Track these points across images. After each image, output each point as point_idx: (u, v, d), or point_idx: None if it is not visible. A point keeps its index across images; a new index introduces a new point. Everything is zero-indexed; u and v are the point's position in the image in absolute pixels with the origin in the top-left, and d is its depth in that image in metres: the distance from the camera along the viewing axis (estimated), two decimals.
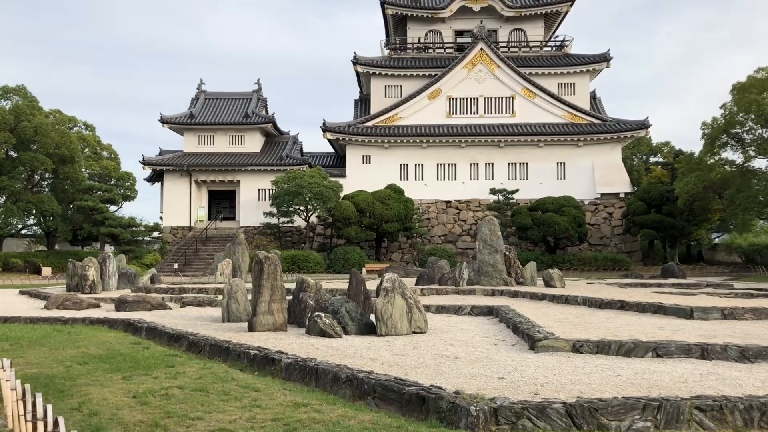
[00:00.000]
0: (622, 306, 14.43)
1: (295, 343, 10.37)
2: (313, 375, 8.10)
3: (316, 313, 11.40)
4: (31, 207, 42.46)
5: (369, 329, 11.70)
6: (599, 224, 49.66)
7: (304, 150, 56.17)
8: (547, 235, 44.37)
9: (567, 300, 16.23)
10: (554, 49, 55.12)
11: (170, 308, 17.12)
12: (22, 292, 24.01)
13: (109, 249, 51.80)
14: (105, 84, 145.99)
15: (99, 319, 14.59)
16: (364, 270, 42.94)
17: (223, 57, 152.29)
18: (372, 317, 12.48)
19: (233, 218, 52.35)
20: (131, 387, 7.47)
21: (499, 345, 10.15)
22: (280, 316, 12.10)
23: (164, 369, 8.74)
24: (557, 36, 56.44)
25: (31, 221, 45.06)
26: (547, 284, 21.43)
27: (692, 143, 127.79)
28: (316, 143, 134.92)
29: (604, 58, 52.27)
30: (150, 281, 25.94)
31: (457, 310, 15.23)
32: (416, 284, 22.65)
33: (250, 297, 14.94)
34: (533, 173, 50.32)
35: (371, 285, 22.49)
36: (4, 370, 6.58)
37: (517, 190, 46.77)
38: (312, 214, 46.73)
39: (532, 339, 9.65)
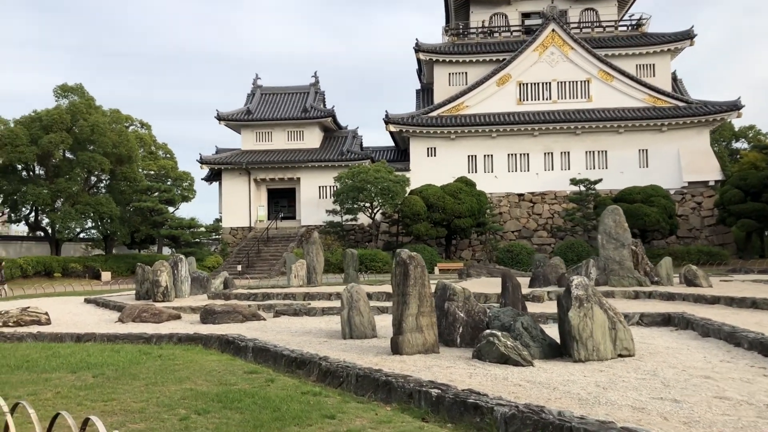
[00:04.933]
0: None
1: (476, 375, 7.56)
2: None
3: (489, 331, 8.58)
4: (89, 209, 40.81)
5: (554, 351, 8.83)
6: (687, 215, 45.74)
7: (364, 145, 53.57)
8: (634, 228, 40.72)
9: (755, 304, 13.05)
10: (630, 28, 51.26)
11: (264, 319, 14.54)
12: (87, 301, 21.89)
13: (167, 251, 50.12)
14: (149, 91, 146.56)
15: (188, 336, 12.06)
16: (436, 269, 40.00)
17: (265, 61, 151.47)
18: (547, 332, 9.59)
19: (293, 217, 50.12)
20: None
21: None
22: (430, 333, 9.32)
23: (324, 423, 6.02)
24: (632, 14, 52.52)
25: (89, 224, 43.47)
26: (690, 283, 18.19)
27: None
28: (370, 141, 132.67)
29: (687, 36, 48.24)
30: (223, 286, 23.57)
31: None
32: (530, 287, 19.68)
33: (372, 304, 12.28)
34: (613, 161, 46.65)
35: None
36: None
37: (600, 180, 43.21)
38: (378, 211, 44.10)
39: None
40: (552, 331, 10.40)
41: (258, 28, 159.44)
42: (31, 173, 42.68)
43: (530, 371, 7.72)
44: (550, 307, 14.55)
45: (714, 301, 14.07)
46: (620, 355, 8.60)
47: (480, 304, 10.31)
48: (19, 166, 41.49)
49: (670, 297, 15.28)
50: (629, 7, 54.10)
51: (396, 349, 9.22)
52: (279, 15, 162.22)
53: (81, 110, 40.18)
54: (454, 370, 7.88)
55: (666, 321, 11.95)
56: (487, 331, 8.63)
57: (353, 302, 11.27)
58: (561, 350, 8.89)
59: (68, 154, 42.34)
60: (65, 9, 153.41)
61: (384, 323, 12.88)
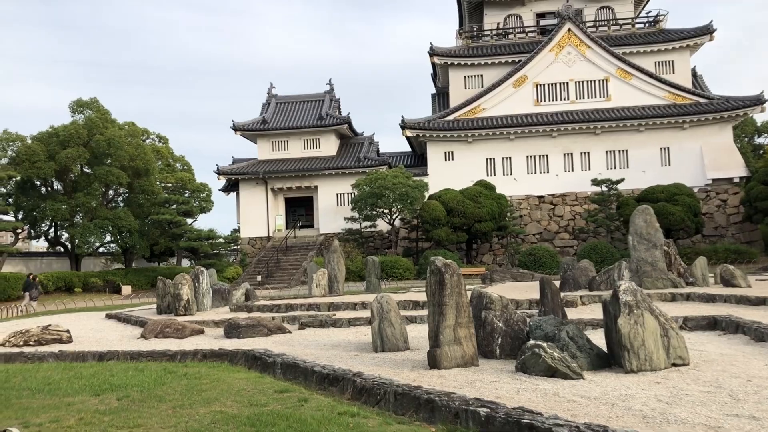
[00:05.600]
0: None
1: (524, 390, 7.07)
2: None
3: (534, 342, 8.08)
4: (108, 223, 40.76)
5: (602, 361, 8.31)
6: (712, 213, 44.80)
7: (380, 151, 53.22)
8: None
9: None
10: (647, 25, 50.48)
11: (290, 332, 14.13)
12: (108, 316, 21.60)
13: (186, 263, 49.98)
14: (165, 104, 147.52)
15: (213, 352, 11.66)
16: None
17: (280, 71, 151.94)
18: (592, 340, 9.07)
19: (311, 225, 49.81)
20: None
21: None
22: (469, 345, 8.84)
23: None
24: (649, 11, 51.73)
25: (108, 238, 43.42)
26: (728, 283, 17.55)
27: None
28: (386, 147, 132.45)
29: (707, 31, 47.38)
30: (245, 297, 23.19)
31: None
32: (560, 291, 19.05)
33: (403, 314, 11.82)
34: (634, 161, 45.84)
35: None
36: None
37: (621, 180, 42.48)
38: (396, 217, 43.65)
39: None
40: (594, 338, 9.89)
41: (272, 38, 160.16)
42: (49, 189, 42.75)
43: (581, 385, 7.22)
44: (586, 312, 14.01)
45: (759, 302, 13.44)
46: (674, 365, 8.06)
47: (519, 313, 9.82)
48: (38, 182, 41.58)
49: (709, 299, 14.67)
50: (645, 4, 53.34)
51: (433, 363, 8.75)
52: (292, 25, 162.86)
53: (97, 125, 40.20)
54: (499, 385, 7.40)
55: (712, 325, 11.37)
56: (531, 341, 8.14)
57: (384, 313, 10.82)
58: (609, 360, 8.38)
59: (86, 169, 42.37)
60: (78, 24, 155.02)
61: (413, 334, 12.42)
